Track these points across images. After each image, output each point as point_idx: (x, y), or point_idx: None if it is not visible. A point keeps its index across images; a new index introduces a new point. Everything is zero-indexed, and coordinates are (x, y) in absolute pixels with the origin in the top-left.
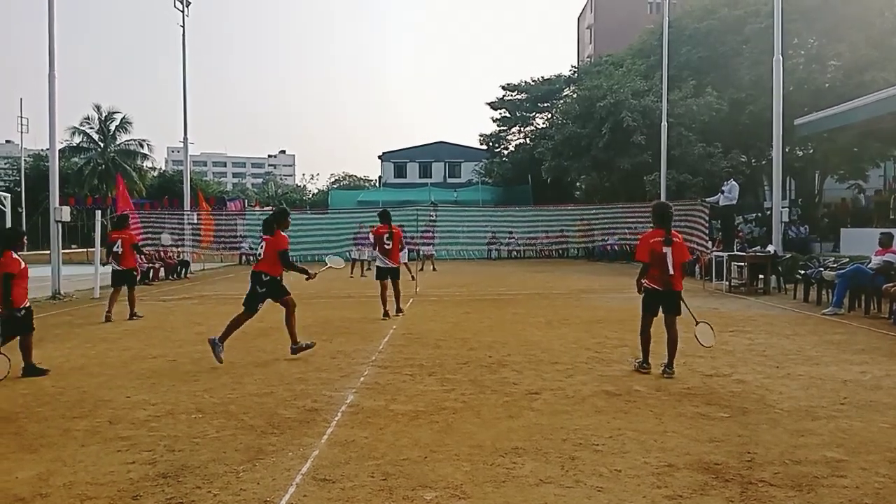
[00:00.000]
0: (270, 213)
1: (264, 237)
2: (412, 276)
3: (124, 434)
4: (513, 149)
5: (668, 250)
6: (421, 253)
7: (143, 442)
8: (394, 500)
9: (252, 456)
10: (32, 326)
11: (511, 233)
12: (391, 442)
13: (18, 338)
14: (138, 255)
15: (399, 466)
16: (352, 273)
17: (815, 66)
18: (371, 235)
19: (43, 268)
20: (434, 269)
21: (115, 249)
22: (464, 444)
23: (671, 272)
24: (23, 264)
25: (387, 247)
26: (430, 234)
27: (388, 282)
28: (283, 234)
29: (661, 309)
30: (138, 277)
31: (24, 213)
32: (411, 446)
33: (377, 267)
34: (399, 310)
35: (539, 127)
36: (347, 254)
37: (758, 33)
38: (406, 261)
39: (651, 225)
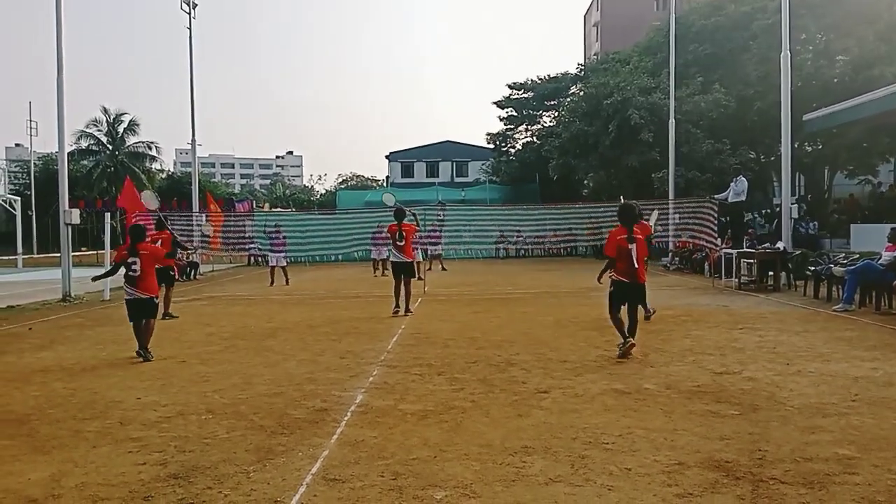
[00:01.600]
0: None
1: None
2: (419, 277)
3: (135, 435)
4: (520, 147)
5: (632, 247)
6: (428, 253)
7: (153, 443)
8: (404, 499)
9: (262, 456)
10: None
11: (519, 231)
12: (401, 441)
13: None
14: (180, 251)
15: (409, 466)
16: (375, 273)
17: (823, 61)
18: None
19: (53, 270)
20: (443, 268)
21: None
22: (473, 443)
23: (636, 266)
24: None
25: (400, 243)
26: (438, 234)
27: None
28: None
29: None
30: (176, 277)
31: (33, 216)
32: (421, 446)
33: (392, 262)
34: (408, 309)
35: (546, 125)
36: (365, 252)
37: (765, 29)
38: (421, 259)
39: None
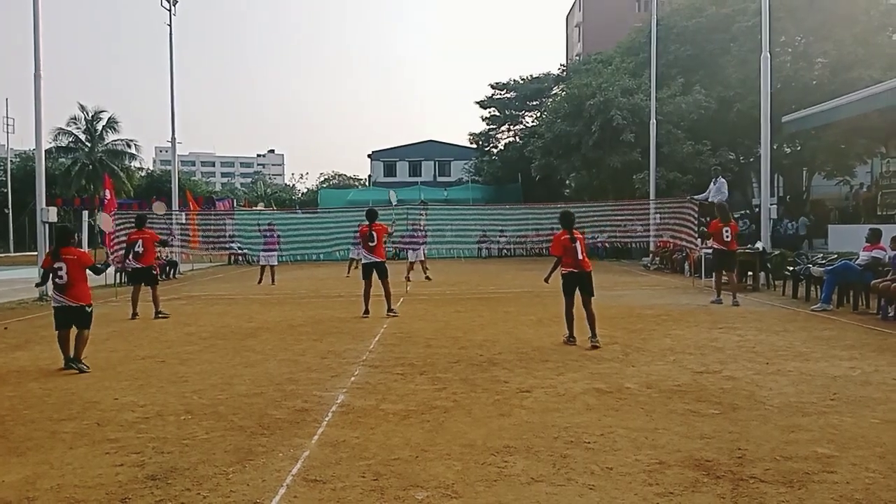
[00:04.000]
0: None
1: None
2: (406, 277)
3: (112, 436)
4: (502, 147)
5: (576, 244)
6: (416, 255)
7: (131, 444)
8: (385, 500)
9: (242, 457)
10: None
11: (502, 231)
12: (382, 442)
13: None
14: (161, 249)
15: (390, 466)
16: (348, 272)
17: (803, 63)
18: (358, 235)
19: (30, 269)
20: (427, 277)
21: (136, 249)
22: (455, 443)
23: (580, 256)
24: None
25: (371, 244)
26: (423, 235)
27: (374, 279)
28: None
29: (578, 290)
30: (158, 275)
31: (10, 215)
32: (402, 446)
33: (363, 264)
34: (390, 310)
35: (528, 125)
36: (346, 252)
37: (745, 31)
38: (423, 258)
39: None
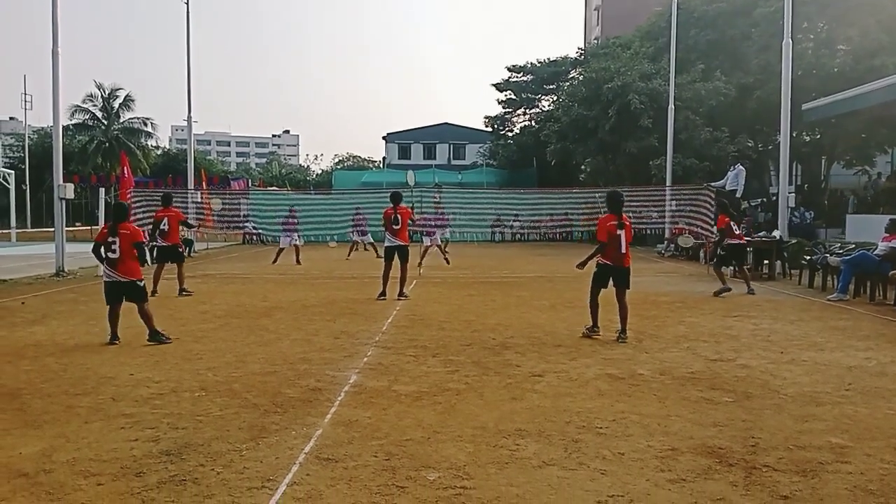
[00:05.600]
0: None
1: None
2: (418, 262)
3: (128, 411)
4: (518, 131)
5: (621, 233)
6: (433, 238)
7: (146, 419)
8: (397, 480)
9: (255, 434)
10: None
11: (516, 215)
12: (394, 422)
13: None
14: (186, 229)
15: (402, 447)
16: (349, 255)
17: (825, 50)
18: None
19: (47, 245)
20: (446, 258)
21: (161, 227)
22: (467, 425)
23: (623, 251)
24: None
25: (395, 227)
26: (445, 217)
27: (395, 261)
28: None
29: (611, 282)
30: (184, 252)
31: (28, 191)
32: (414, 427)
33: (386, 247)
34: (402, 293)
35: (545, 109)
36: (349, 235)
37: (767, 17)
38: (440, 242)
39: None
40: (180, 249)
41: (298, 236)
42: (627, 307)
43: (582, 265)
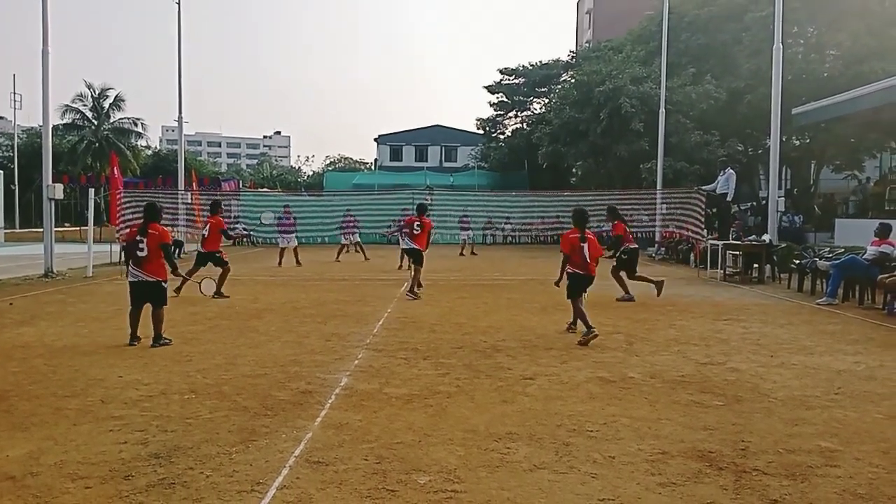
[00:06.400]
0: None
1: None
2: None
3: (116, 413)
4: (509, 134)
5: (584, 245)
6: (459, 238)
7: (135, 422)
8: (387, 483)
9: (245, 437)
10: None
11: (507, 218)
12: (385, 425)
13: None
14: (225, 238)
15: (393, 450)
16: (338, 257)
17: (815, 55)
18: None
19: (36, 245)
20: (473, 252)
21: (203, 233)
22: (458, 428)
23: (588, 261)
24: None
25: (415, 232)
26: (468, 220)
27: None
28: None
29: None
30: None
31: (17, 191)
32: (405, 430)
33: (403, 248)
34: (411, 290)
35: (536, 112)
36: (340, 237)
37: (758, 21)
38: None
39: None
40: (217, 255)
41: (294, 237)
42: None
43: (558, 282)
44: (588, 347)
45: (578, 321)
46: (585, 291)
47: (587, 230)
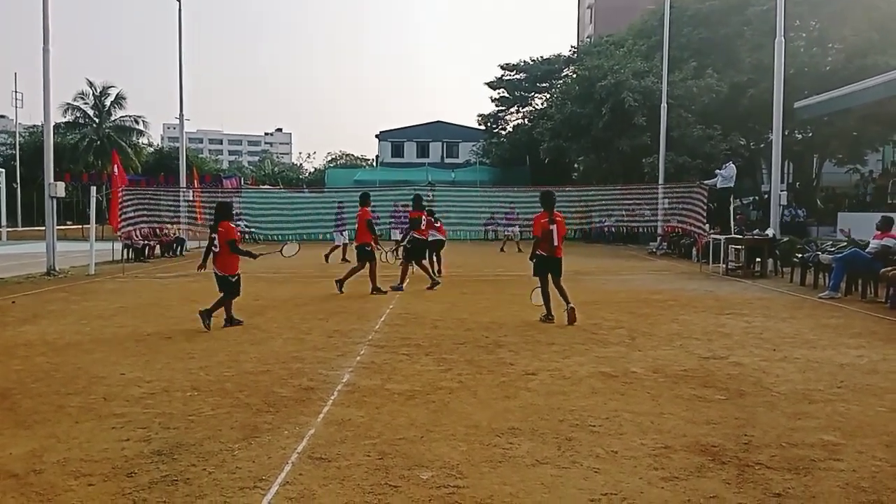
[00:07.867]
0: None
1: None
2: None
3: (119, 411)
4: (511, 129)
5: (553, 227)
6: (504, 233)
7: (137, 419)
8: (390, 479)
9: (247, 434)
10: (238, 292)
11: (515, 214)
12: (387, 421)
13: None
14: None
15: (395, 446)
16: (327, 259)
17: (817, 49)
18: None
19: (38, 244)
20: (519, 249)
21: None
22: (460, 424)
23: (556, 243)
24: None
25: (422, 227)
26: (514, 216)
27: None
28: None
29: (549, 273)
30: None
31: (18, 189)
32: (407, 426)
33: (429, 241)
34: (434, 282)
35: (538, 108)
36: (352, 233)
37: (760, 15)
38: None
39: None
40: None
41: (344, 233)
42: (564, 287)
43: (532, 256)
44: (591, 342)
45: (552, 307)
46: (559, 274)
47: (556, 212)
